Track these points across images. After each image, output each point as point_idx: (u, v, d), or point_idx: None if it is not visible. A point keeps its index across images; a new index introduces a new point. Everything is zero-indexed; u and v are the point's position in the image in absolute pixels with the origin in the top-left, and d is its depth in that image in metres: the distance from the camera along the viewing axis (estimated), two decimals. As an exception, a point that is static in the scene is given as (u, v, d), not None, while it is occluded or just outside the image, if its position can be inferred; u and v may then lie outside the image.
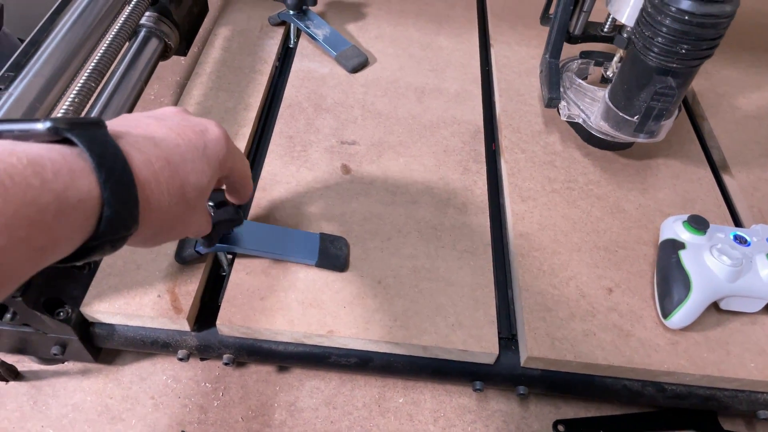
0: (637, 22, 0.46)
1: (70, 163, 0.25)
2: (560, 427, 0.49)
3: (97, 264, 0.46)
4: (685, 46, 0.43)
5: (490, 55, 0.72)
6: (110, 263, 0.47)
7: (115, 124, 0.30)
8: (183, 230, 0.35)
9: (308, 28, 0.67)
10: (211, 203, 0.44)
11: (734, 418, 0.51)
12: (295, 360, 0.46)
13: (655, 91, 0.46)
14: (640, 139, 0.51)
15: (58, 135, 0.26)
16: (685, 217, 0.49)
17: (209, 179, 0.33)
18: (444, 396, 0.50)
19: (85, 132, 0.26)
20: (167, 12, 0.63)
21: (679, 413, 0.51)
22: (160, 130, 0.31)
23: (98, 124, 0.27)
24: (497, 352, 0.45)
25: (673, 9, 0.42)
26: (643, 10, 0.45)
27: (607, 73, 0.60)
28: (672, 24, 0.43)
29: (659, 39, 0.44)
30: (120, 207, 0.26)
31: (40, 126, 0.25)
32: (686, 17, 0.42)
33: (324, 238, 0.48)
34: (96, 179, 0.26)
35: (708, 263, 0.46)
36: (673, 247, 0.47)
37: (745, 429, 0.51)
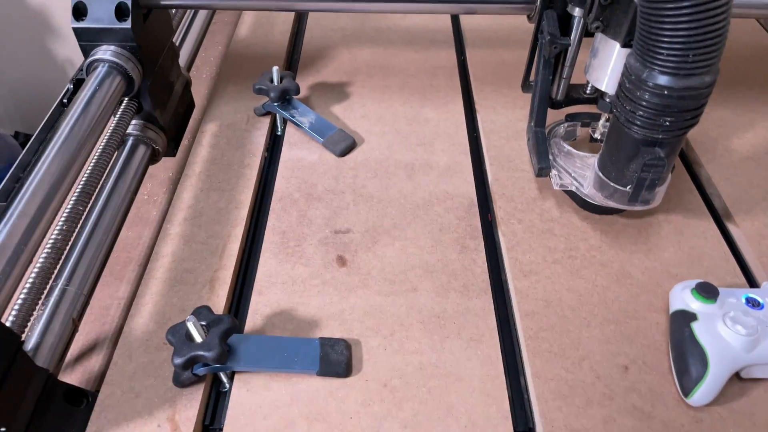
0: (617, 95, 0.46)
1: None
2: None
3: (95, 396, 0.45)
4: (669, 119, 0.43)
5: (477, 121, 0.72)
6: (108, 394, 0.45)
7: None
8: None
9: (293, 117, 0.68)
10: (203, 323, 0.43)
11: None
12: (306, 477, 0.44)
13: (645, 162, 0.45)
14: (637, 207, 0.50)
15: None
16: (693, 284, 0.47)
17: None
18: (465, 495, 0.48)
19: None
20: (153, 118, 0.63)
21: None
22: None
23: None
24: (515, 452, 0.43)
25: (651, 84, 0.42)
26: (620, 85, 0.45)
27: (595, 134, 0.59)
28: (651, 99, 0.42)
29: (641, 113, 0.44)
30: None
31: None
32: (665, 92, 0.41)
33: (324, 342, 0.47)
34: None
35: (723, 334, 0.44)
36: (684, 318, 0.46)
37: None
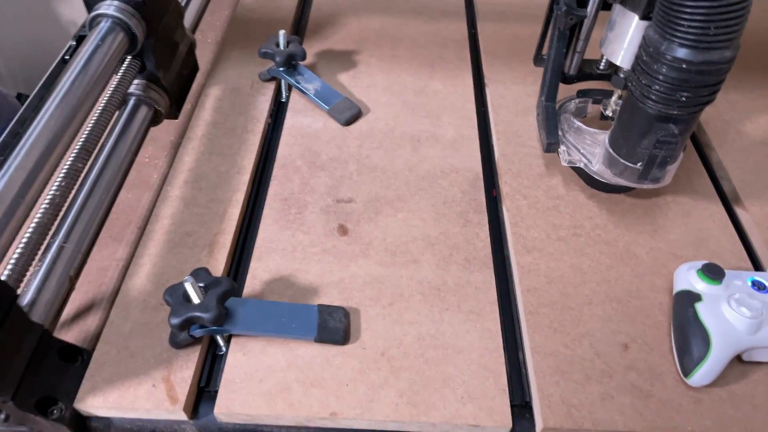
0: (633, 69, 0.45)
1: None
2: (583, 496, 0.46)
3: (90, 354, 0.45)
4: (685, 94, 0.42)
5: (486, 96, 0.71)
6: (103, 352, 0.45)
7: None
8: None
9: (299, 83, 0.66)
10: (201, 284, 0.43)
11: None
12: (300, 442, 0.44)
13: (657, 139, 0.44)
14: (646, 186, 0.49)
15: None
16: (699, 265, 0.47)
17: None
18: (458, 467, 0.48)
19: None
20: (155, 78, 0.62)
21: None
22: None
23: None
24: (510, 425, 0.42)
25: (669, 57, 0.41)
26: (638, 58, 0.44)
27: (606, 111, 0.58)
28: (669, 72, 0.41)
29: (657, 87, 0.42)
30: None
31: None
32: (684, 65, 0.40)
33: (322, 309, 0.47)
34: None
35: (727, 315, 0.43)
36: (688, 299, 0.45)
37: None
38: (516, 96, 0.70)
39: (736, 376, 0.45)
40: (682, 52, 0.40)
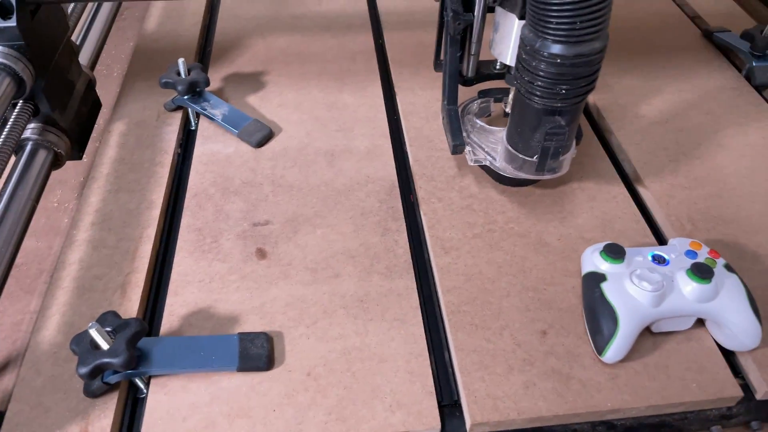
0: (516, 68, 0.47)
1: None
2: (522, 484, 0.47)
3: (2, 415, 0.43)
4: (565, 87, 0.44)
5: (396, 103, 0.72)
6: (17, 411, 0.43)
7: None
8: None
9: (205, 110, 0.66)
10: (108, 329, 0.42)
11: (692, 433, 0.51)
12: (233, 476, 0.43)
13: (547, 131, 0.46)
14: (546, 177, 0.51)
15: None
16: (602, 246, 0.49)
17: None
18: (399, 475, 0.48)
19: None
20: (52, 120, 0.60)
21: (637, 442, 0.50)
22: None
23: None
24: (439, 426, 0.43)
25: (545, 54, 0.42)
26: (518, 57, 0.46)
27: (507, 108, 0.60)
28: (547, 68, 0.43)
29: (539, 83, 0.44)
30: None
31: None
32: (558, 60, 0.42)
33: (243, 338, 0.46)
34: None
35: (630, 291, 0.46)
36: (594, 280, 0.47)
37: (705, 443, 0.50)
38: (425, 101, 0.71)
39: (649, 348, 0.48)
40: (555, 48, 0.42)
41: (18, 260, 0.52)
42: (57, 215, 0.68)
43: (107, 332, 0.41)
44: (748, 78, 0.76)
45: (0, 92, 0.53)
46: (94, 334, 0.40)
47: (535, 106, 0.46)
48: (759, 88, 0.74)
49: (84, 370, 0.39)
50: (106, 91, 0.72)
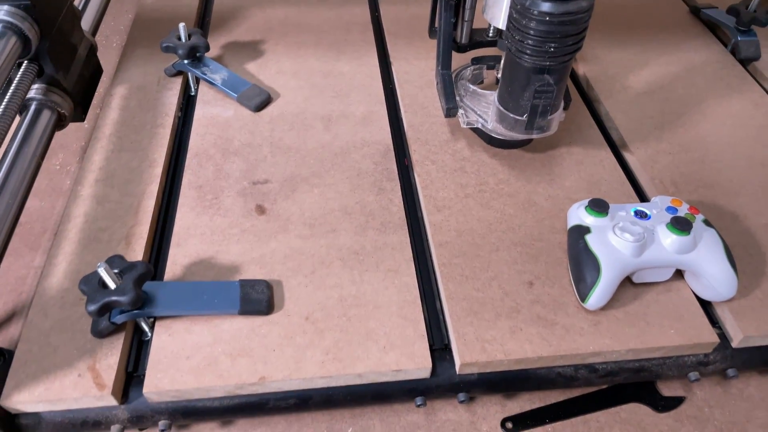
0: (508, 28, 0.49)
1: None
2: (508, 425, 0.50)
3: (11, 354, 0.45)
4: (553, 45, 0.46)
5: (392, 73, 0.74)
6: (25, 350, 0.45)
7: None
8: None
9: (205, 74, 0.67)
10: (116, 270, 0.43)
11: (672, 382, 0.53)
12: (234, 412, 0.46)
13: (535, 89, 0.48)
14: (534, 136, 0.53)
15: None
16: (587, 201, 0.51)
17: None
18: (392, 417, 0.50)
19: None
20: (56, 81, 0.61)
21: (619, 389, 0.53)
22: None
23: None
24: (431, 366, 0.45)
25: (535, 12, 0.44)
26: (510, 17, 0.48)
27: (499, 75, 0.62)
28: (537, 26, 0.45)
29: (529, 41, 0.46)
30: None
31: None
32: (548, 18, 0.44)
33: (244, 284, 0.48)
34: None
35: (613, 242, 0.48)
36: (579, 233, 0.50)
37: (683, 391, 0.53)
38: (420, 71, 0.73)
39: (630, 298, 0.50)
40: (545, 6, 0.44)
41: (22, 219, 0.54)
42: (59, 177, 0.70)
43: (115, 273, 0.43)
44: (734, 52, 0.78)
45: (7, 50, 0.55)
46: (102, 273, 0.42)
47: (524, 64, 0.48)
48: (743, 62, 0.77)
49: (93, 307, 0.41)
50: (105, 61, 0.73)
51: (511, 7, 0.47)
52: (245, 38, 0.77)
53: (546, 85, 0.48)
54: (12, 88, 0.57)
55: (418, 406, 0.47)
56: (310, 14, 0.83)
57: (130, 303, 0.42)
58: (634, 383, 0.53)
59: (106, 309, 0.42)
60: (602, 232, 0.49)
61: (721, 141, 0.65)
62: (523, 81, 0.49)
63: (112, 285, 0.42)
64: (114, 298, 0.42)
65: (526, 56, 0.47)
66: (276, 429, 0.49)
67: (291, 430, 0.49)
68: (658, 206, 0.52)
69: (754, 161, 0.62)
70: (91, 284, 0.43)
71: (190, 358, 0.45)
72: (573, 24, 0.45)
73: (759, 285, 0.51)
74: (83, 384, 0.43)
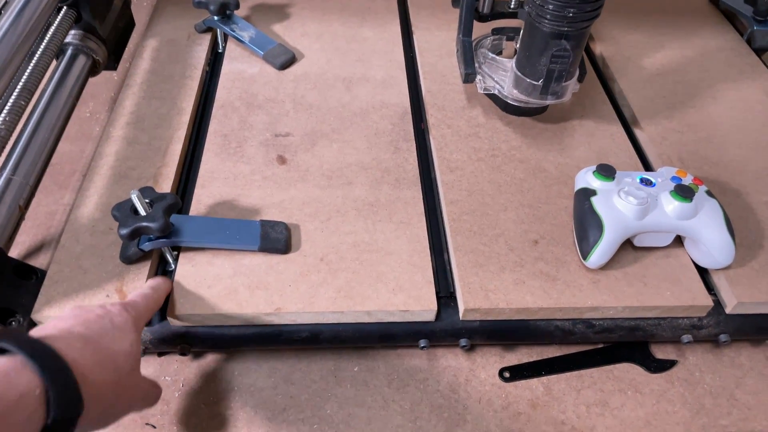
0: (529, -7, 0.51)
1: (5, 369, 0.28)
2: (505, 374, 0.52)
3: (43, 274, 0.48)
4: (572, 10, 0.48)
5: (413, 42, 0.76)
6: (57, 270, 0.48)
7: (30, 333, 0.33)
8: (129, 400, 0.38)
9: (234, 31, 0.70)
10: (147, 200, 0.46)
11: (665, 347, 0.56)
12: (249, 341, 0.49)
13: (552, 54, 0.50)
14: (549, 101, 0.55)
15: None
16: (595, 167, 0.53)
17: (131, 344, 0.37)
18: (396, 360, 0.53)
19: (13, 337, 0.30)
20: (92, 28, 0.64)
21: (613, 348, 0.55)
22: (65, 324, 0.35)
23: (20, 330, 0.32)
24: (436, 309, 0.48)
25: (556, -23, 0.47)
26: (532, -19, 0.50)
27: (518, 46, 0.64)
28: (557, -9, 0.47)
29: (549, 6, 0.48)
30: (62, 389, 0.29)
31: None
32: (568, -17, 0.46)
33: (264, 224, 0.51)
34: (32, 372, 0.29)
35: (617, 205, 0.50)
36: (585, 195, 0.52)
37: (676, 355, 0.55)
38: (440, 41, 0.75)
39: (630, 260, 0.52)
40: (566, -28, 0.46)
41: (53, 160, 0.57)
42: (89, 124, 0.73)
43: (146, 203, 0.46)
44: (749, 41, 0.79)
45: (49, -7, 0.57)
46: (135, 199, 0.44)
47: (543, 29, 0.50)
48: (758, 51, 0.78)
49: (124, 231, 0.44)
50: (135, 17, 0.76)
51: (533, -27, 0.49)
52: (272, 0, 0.80)
53: (563, 50, 0.50)
54: (51, 31, 0.60)
55: (422, 348, 0.50)
56: (336, -18, 0.85)
57: (159, 230, 0.45)
58: (628, 343, 0.55)
59: (136, 234, 0.45)
60: (608, 196, 0.51)
61: (729, 123, 0.67)
62: (541, 46, 0.51)
63: (142, 212, 0.45)
64: (144, 224, 0.44)
65: (546, 21, 0.50)
66: (286, 363, 0.52)
67: (300, 365, 0.52)
68: (663, 176, 0.54)
69: (760, 144, 0.64)
70: (124, 210, 0.46)
71: (211, 287, 0.48)
72: (592, -9, 0.47)
73: (755, 257, 0.53)
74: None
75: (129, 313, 0.39)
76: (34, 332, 0.34)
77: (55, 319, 0.37)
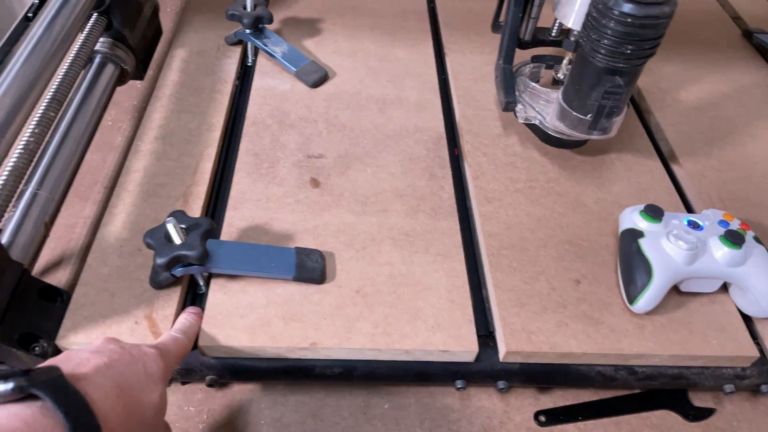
0: (584, 26, 0.49)
1: (34, 427, 0.27)
2: (541, 418, 0.50)
3: (69, 296, 0.46)
4: (630, 47, 0.46)
5: (445, 64, 0.75)
6: (83, 293, 0.46)
7: (61, 363, 0.31)
8: None
9: (266, 45, 0.68)
10: (183, 226, 0.44)
11: (703, 394, 0.54)
12: (280, 375, 0.46)
13: (605, 90, 0.48)
14: (595, 136, 0.54)
15: (22, 393, 0.27)
16: (642, 206, 0.52)
17: (159, 395, 0.35)
18: (428, 398, 0.51)
19: (49, 385, 0.28)
20: (122, 37, 0.62)
21: (651, 394, 0.53)
22: (101, 361, 0.33)
23: (56, 369, 0.29)
24: (477, 350, 0.46)
25: (616, 12, 0.45)
26: (588, 14, 0.48)
27: (558, 75, 0.63)
28: (616, 27, 0.46)
29: (605, 41, 0.47)
30: None
31: (2, 388, 0.27)
32: (629, 20, 0.45)
33: (299, 251, 0.49)
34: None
35: (666, 249, 0.49)
36: (632, 236, 0.50)
37: (713, 404, 0.54)
38: (474, 64, 0.74)
39: (675, 305, 0.51)
40: (627, 7, 0.45)
41: (74, 170, 0.55)
42: (111, 133, 0.70)
43: (180, 228, 0.44)
44: (784, 78, 0.78)
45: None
46: (170, 228, 0.43)
47: (597, 64, 0.48)
48: (793, 89, 0.77)
49: (161, 260, 0.42)
50: (162, 24, 0.74)
51: (591, 5, 0.48)
52: (303, 15, 0.78)
53: (616, 86, 0.48)
54: (82, 37, 0.58)
55: (459, 388, 0.48)
56: (367, -2, 0.83)
57: (197, 258, 0.43)
58: (666, 390, 0.53)
59: (173, 263, 0.43)
60: (656, 238, 0.49)
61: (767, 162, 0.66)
62: (593, 81, 0.50)
63: (177, 240, 0.43)
64: (183, 252, 0.42)
65: (600, 56, 0.48)
66: (314, 398, 0.50)
67: (328, 399, 0.50)
68: (710, 218, 0.52)
69: (801, 186, 0.63)
70: (158, 238, 0.44)
71: (244, 317, 0.46)
72: (653, 28, 0.45)
73: (802, 306, 0.52)
74: (140, 331, 0.44)
75: (162, 360, 0.37)
76: (67, 363, 0.32)
77: (90, 349, 0.34)
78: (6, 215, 0.45)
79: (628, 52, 0.46)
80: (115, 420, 0.31)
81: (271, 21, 0.68)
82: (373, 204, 0.56)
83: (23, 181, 0.47)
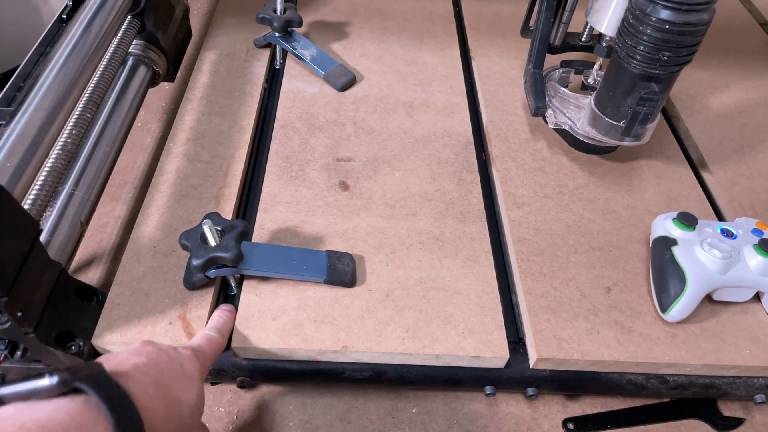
0: (620, 32, 0.49)
1: (79, 420, 0.27)
2: (570, 425, 0.50)
3: (105, 295, 0.46)
4: (667, 53, 0.46)
5: (472, 68, 0.75)
6: (118, 293, 0.46)
7: (102, 362, 0.32)
8: None
9: (295, 49, 0.68)
10: (218, 227, 0.45)
11: (733, 403, 0.53)
12: (310, 378, 0.47)
13: (640, 96, 0.48)
14: (627, 143, 0.53)
15: (67, 387, 0.28)
16: (675, 214, 0.51)
17: (197, 394, 0.36)
18: (455, 403, 0.51)
19: (92, 380, 0.28)
20: (154, 39, 0.63)
21: (680, 403, 0.53)
22: (141, 360, 0.33)
23: (98, 365, 0.30)
24: (508, 356, 0.46)
25: (654, 19, 0.45)
26: (624, 20, 0.48)
27: (588, 80, 0.62)
28: (653, 33, 0.45)
29: (641, 47, 0.47)
30: None
31: (47, 382, 0.27)
32: (666, 26, 0.44)
33: (330, 254, 0.49)
34: (107, 425, 0.28)
35: (700, 257, 0.48)
36: (665, 243, 0.50)
37: (743, 413, 0.53)
38: (501, 69, 0.74)
39: (707, 314, 0.50)
40: (665, 14, 0.44)
41: (104, 170, 0.55)
42: (140, 134, 0.71)
43: (216, 230, 0.44)
44: (816, 85, 0.77)
45: (119, 3, 0.56)
46: (206, 229, 0.43)
47: (632, 70, 0.48)
48: (825, 96, 0.76)
49: (198, 262, 0.43)
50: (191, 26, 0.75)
51: (627, 11, 0.47)
52: (331, 18, 0.78)
53: (651, 93, 0.48)
54: (116, 40, 0.59)
55: (488, 395, 0.48)
56: (394, 2, 0.83)
57: (232, 260, 0.43)
58: (696, 400, 0.53)
59: (209, 264, 0.43)
60: (690, 246, 0.49)
61: (801, 172, 0.65)
62: (628, 87, 0.49)
63: (212, 242, 0.44)
64: (219, 254, 0.43)
65: (636, 62, 0.48)
66: (342, 400, 0.50)
67: (356, 402, 0.50)
68: (743, 227, 0.52)
69: (835, 195, 0.62)
70: (193, 239, 0.44)
71: (276, 319, 0.46)
72: (691, 35, 0.45)
73: (837, 317, 0.51)
74: (174, 331, 0.44)
75: (198, 360, 0.37)
76: (108, 362, 0.32)
77: (128, 351, 0.35)
78: (43, 214, 0.46)
79: (665, 58, 0.46)
80: (156, 416, 0.31)
81: (300, 24, 0.69)
82: (402, 208, 0.56)
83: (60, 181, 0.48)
